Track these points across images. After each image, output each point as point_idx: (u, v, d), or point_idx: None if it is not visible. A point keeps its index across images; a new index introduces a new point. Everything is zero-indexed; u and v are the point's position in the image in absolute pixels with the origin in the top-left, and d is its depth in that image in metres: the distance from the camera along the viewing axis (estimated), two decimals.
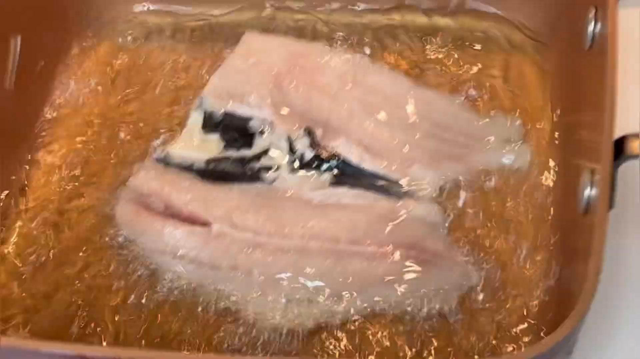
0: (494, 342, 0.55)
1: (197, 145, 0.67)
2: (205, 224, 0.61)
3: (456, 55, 0.70)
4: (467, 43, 0.70)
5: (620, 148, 0.45)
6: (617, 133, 0.46)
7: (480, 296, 0.57)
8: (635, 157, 0.45)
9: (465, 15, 0.71)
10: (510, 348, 0.52)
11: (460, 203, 0.62)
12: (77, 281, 0.61)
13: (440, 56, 0.70)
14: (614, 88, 0.44)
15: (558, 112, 0.64)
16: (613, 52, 0.46)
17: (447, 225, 0.61)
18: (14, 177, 0.66)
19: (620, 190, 0.44)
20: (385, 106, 0.67)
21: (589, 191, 0.45)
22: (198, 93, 0.69)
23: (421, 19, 0.73)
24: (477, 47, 0.70)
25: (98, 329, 0.58)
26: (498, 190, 0.63)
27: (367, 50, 0.72)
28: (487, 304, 0.57)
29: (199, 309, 0.59)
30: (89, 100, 0.71)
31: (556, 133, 0.64)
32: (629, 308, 0.58)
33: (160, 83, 0.72)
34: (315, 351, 0.56)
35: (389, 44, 0.71)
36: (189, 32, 0.75)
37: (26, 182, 0.67)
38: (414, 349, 0.56)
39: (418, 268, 0.59)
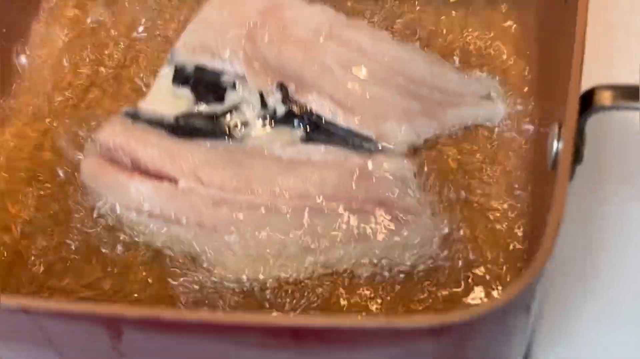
0: (462, 298, 0.53)
1: (167, 99, 0.65)
2: (171, 180, 0.60)
3: (432, 12, 0.67)
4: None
5: (589, 101, 0.44)
6: None
7: (446, 253, 0.56)
8: (604, 108, 0.43)
9: None
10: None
11: (432, 158, 0.60)
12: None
13: (416, 13, 0.68)
14: (582, 42, 0.42)
15: (535, 68, 0.62)
16: (583, 5, 0.44)
17: (418, 180, 0.59)
18: None
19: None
20: (360, 61, 0.65)
21: (556, 145, 0.44)
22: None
23: None
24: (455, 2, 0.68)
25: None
26: (471, 146, 0.61)
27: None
28: (455, 260, 0.55)
29: (164, 263, 0.57)
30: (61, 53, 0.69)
31: (532, 90, 0.62)
32: (602, 266, 0.57)
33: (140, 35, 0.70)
34: (281, 305, 0.55)
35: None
36: None
37: None
38: (379, 301, 0.55)
39: (388, 224, 0.57)
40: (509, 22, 0.66)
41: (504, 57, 0.64)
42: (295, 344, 0.37)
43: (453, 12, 0.68)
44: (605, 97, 0.43)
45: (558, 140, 0.44)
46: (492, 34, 0.66)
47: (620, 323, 0.56)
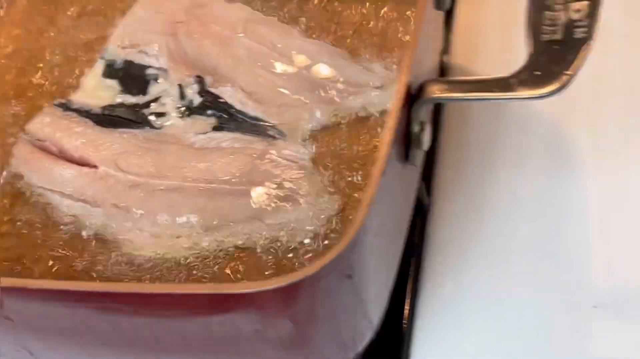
0: None
1: (95, 92, 0.71)
2: (92, 167, 0.66)
3: (336, 4, 0.72)
4: None
5: (420, 93, 0.49)
6: None
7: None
8: (433, 100, 0.48)
9: None
10: None
11: (328, 144, 0.65)
12: None
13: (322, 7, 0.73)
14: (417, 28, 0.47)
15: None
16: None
17: (312, 163, 0.64)
18: None
19: None
20: (271, 55, 0.70)
21: None
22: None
23: None
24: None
25: None
26: (366, 132, 0.66)
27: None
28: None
29: (80, 238, 0.63)
30: None
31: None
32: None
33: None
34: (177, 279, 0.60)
35: None
36: None
37: None
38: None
39: (283, 204, 0.62)
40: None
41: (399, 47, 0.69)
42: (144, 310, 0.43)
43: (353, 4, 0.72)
44: (433, 90, 0.48)
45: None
46: (393, 27, 0.70)
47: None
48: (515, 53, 0.63)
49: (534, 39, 0.47)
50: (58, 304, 0.45)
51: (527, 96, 0.45)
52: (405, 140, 0.48)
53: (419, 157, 0.49)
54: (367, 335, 0.51)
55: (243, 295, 0.40)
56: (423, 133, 0.48)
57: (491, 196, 0.65)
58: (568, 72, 0.45)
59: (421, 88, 0.48)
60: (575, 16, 0.46)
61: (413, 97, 0.47)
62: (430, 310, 0.61)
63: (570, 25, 0.46)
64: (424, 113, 0.48)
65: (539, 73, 0.45)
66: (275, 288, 0.39)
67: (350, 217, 0.60)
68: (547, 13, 0.47)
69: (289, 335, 0.46)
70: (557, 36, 0.46)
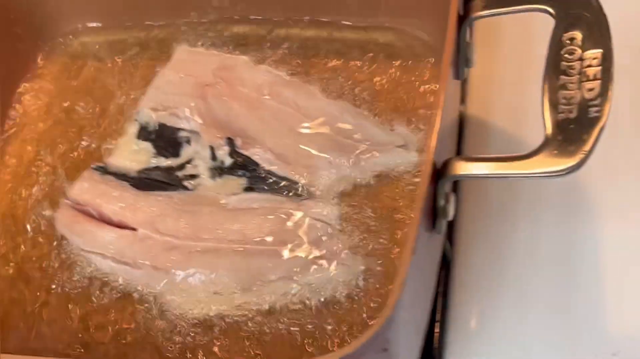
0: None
1: (130, 155, 0.74)
2: (132, 229, 0.69)
3: (359, 64, 0.75)
4: (369, 54, 0.76)
5: (444, 170, 0.51)
6: None
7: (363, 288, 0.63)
8: (456, 177, 0.51)
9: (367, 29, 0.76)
10: None
11: (356, 203, 0.68)
12: None
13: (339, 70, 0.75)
14: (438, 113, 0.49)
15: None
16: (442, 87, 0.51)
17: (342, 222, 0.67)
18: None
19: None
20: (295, 116, 0.72)
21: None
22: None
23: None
24: (372, 55, 0.76)
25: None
26: (391, 191, 0.68)
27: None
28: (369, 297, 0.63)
29: (123, 303, 0.66)
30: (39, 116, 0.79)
31: None
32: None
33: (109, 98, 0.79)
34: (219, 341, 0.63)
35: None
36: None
37: None
38: (308, 339, 0.63)
39: (315, 264, 0.65)
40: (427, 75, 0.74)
41: (424, 111, 0.71)
42: None
43: (377, 63, 0.75)
44: (457, 167, 0.51)
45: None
46: (416, 90, 0.73)
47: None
48: (528, 104, 0.67)
49: (551, 118, 0.49)
50: None
51: (546, 174, 0.48)
52: (432, 213, 0.51)
53: (444, 226, 0.52)
54: None
55: None
56: (448, 205, 0.51)
57: (511, 247, 0.67)
58: (584, 150, 0.47)
59: (445, 166, 0.50)
60: (588, 95, 0.49)
61: (438, 174, 0.49)
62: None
63: (584, 104, 0.49)
64: (448, 187, 0.51)
65: (556, 152, 0.48)
66: None
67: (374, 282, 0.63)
68: (563, 92, 0.50)
69: None
70: (572, 115, 0.49)
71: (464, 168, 0.50)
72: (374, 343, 0.44)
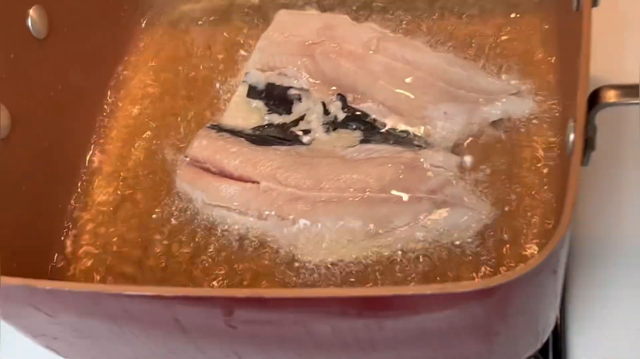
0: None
1: (242, 114, 0.75)
2: (254, 182, 0.69)
3: (464, 17, 0.76)
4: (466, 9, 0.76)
5: (596, 99, 0.52)
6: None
7: (490, 233, 0.64)
8: (609, 105, 0.52)
9: None
10: None
11: (473, 150, 0.69)
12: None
13: (450, 20, 0.76)
14: (587, 48, 0.50)
15: (557, 68, 0.70)
16: (587, 11, 0.52)
17: (462, 169, 0.68)
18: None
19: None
20: (405, 69, 0.73)
21: (572, 137, 0.52)
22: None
23: None
24: (476, 11, 0.77)
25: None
26: (505, 139, 0.69)
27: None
28: (497, 240, 0.63)
29: (253, 252, 0.67)
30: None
31: (554, 87, 0.70)
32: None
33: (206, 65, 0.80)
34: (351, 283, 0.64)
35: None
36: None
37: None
38: (438, 278, 0.64)
39: (439, 210, 0.66)
40: (532, 26, 0.74)
41: (533, 58, 0.72)
42: (368, 312, 0.47)
43: (481, 16, 0.75)
44: (610, 95, 0.51)
45: (572, 133, 0.52)
46: (518, 37, 0.74)
47: None
48: None
49: None
50: (286, 312, 0.48)
51: None
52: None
53: (589, 158, 0.53)
54: (552, 326, 0.54)
55: (464, 293, 0.44)
56: (595, 135, 0.52)
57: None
58: None
59: (596, 94, 0.51)
60: None
61: (590, 103, 0.50)
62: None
63: None
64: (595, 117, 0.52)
65: None
66: (501, 284, 0.43)
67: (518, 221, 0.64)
68: None
69: (493, 328, 0.50)
70: None
71: (617, 95, 0.51)
72: (550, 263, 0.45)
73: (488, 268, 0.61)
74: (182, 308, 0.49)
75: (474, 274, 0.61)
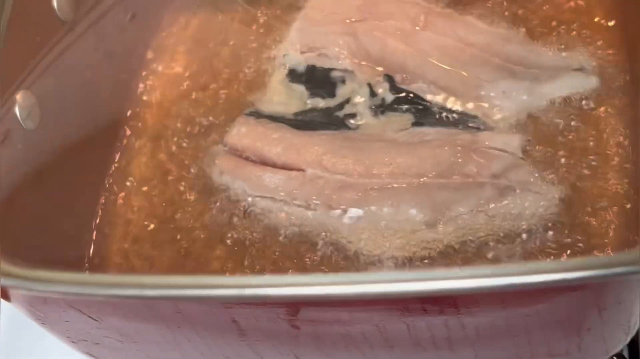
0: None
1: (282, 98, 0.70)
2: (299, 170, 0.64)
3: None
4: None
5: None
6: None
7: (557, 217, 0.59)
8: None
9: None
10: None
11: (534, 130, 0.63)
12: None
13: None
14: None
15: (625, 40, 0.65)
16: None
17: (523, 152, 0.62)
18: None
19: None
20: (457, 46, 0.68)
21: None
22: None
23: None
24: None
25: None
26: (569, 116, 0.64)
27: None
28: (563, 227, 0.58)
29: (303, 246, 0.62)
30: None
31: (620, 61, 0.64)
32: None
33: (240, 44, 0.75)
34: None
35: None
36: None
37: None
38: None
39: (502, 195, 0.61)
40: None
41: (598, 32, 0.67)
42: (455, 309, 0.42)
43: None
44: None
45: None
46: (583, 11, 0.68)
47: None
48: None
49: None
50: (359, 310, 0.43)
51: None
52: None
53: None
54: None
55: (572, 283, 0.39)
56: None
57: None
58: None
59: None
60: None
61: None
62: None
63: None
64: None
65: None
66: (616, 274, 0.37)
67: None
68: None
69: (587, 323, 0.45)
70: None
71: None
72: None
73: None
74: (242, 308, 0.44)
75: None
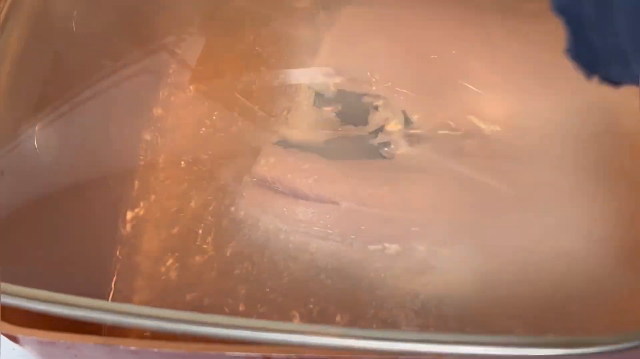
0: None
1: (311, 125, 0.66)
2: (333, 202, 0.61)
3: None
4: None
5: None
6: None
7: None
8: None
9: None
10: None
11: None
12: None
13: None
14: None
15: None
16: None
17: None
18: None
19: None
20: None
21: None
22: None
23: None
24: None
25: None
26: None
27: None
28: None
29: (344, 283, 0.58)
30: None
31: None
32: None
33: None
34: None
35: None
36: None
37: None
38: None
39: None
40: None
41: None
42: None
43: None
44: None
45: None
46: None
47: None
48: None
49: None
50: None
51: None
52: None
53: None
54: None
55: None
56: None
57: None
58: None
59: None
60: None
61: None
62: None
63: None
64: None
65: None
66: None
67: None
68: None
69: None
70: None
71: None
72: None
73: None
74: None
75: None
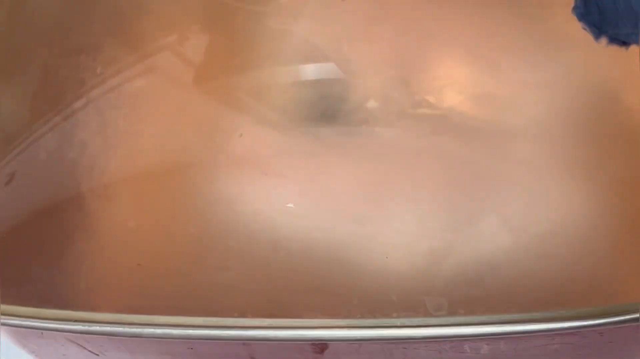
0: None
1: (292, 103, 0.64)
2: (310, 181, 0.58)
3: None
4: None
5: None
6: None
7: None
8: None
9: None
10: None
11: None
12: None
13: None
14: None
15: None
16: None
17: None
18: None
19: None
20: None
21: None
22: None
23: None
24: None
25: None
26: None
27: None
28: None
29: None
30: None
31: None
32: None
33: None
34: None
35: None
36: None
37: None
38: None
39: None
40: None
41: None
42: None
43: None
44: None
45: None
46: None
47: None
48: None
49: None
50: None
51: None
52: None
53: None
54: None
55: None
56: None
57: None
58: None
59: None
60: None
61: None
62: None
63: None
64: None
65: None
66: None
67: None
68: None
69: None
70: None
71: None
72: None
73: None
74: (262, 344, 0.38)
75: None
